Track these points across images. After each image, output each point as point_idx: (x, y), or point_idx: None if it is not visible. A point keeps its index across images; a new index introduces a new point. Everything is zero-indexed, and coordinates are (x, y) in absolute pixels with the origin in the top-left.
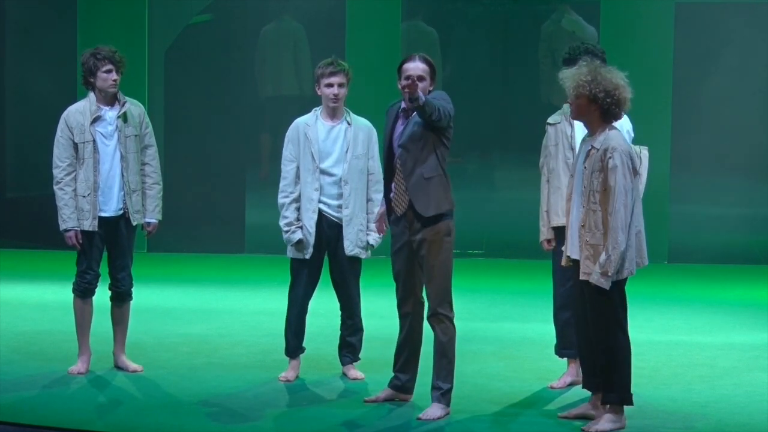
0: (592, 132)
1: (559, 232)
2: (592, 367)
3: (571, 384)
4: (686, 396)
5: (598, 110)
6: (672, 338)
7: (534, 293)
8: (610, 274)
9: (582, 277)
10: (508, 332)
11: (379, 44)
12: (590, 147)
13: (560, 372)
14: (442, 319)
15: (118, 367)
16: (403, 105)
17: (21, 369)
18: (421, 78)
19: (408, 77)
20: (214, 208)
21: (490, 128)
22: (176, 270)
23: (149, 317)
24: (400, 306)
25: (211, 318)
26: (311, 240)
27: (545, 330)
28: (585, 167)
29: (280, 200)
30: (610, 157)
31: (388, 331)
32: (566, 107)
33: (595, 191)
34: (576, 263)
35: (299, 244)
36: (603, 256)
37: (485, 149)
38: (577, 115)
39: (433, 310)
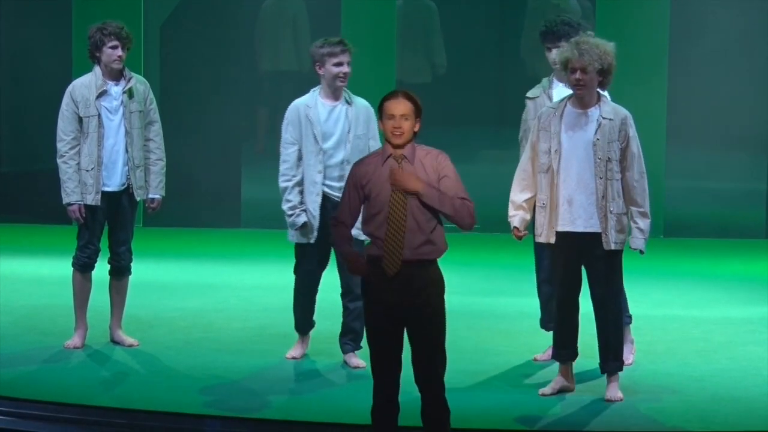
0: (588, 104)
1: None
2: (569, 339)
3: None
4: (682, 370)
5: (598, 81)
6: (667, 312)
7: (529, 268)
8: (644, 229)
9: (606, 247)
10: (503, 307)
11: (375, 20)
12: (599, 118)
13: None
14: (446, 410)
15: (114, 342)
16: (388, 152)
17: (18, 344)
18: (404, 116)
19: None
20: (209, 182)
21: (488, 103)
22: (172, 245)
23: (145, 292)
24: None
25: (207, 293)
26: (315, 224)
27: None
28: (598, 138)
29: (282, 184)
30: (630, 126)
31: None
32: (545, 81)
33: (616, 160)
34: (565, 236)
35: (304, 228)
36: (645, 221)
37: (484, 124)
38: (589, 89)
39: (439, 399)
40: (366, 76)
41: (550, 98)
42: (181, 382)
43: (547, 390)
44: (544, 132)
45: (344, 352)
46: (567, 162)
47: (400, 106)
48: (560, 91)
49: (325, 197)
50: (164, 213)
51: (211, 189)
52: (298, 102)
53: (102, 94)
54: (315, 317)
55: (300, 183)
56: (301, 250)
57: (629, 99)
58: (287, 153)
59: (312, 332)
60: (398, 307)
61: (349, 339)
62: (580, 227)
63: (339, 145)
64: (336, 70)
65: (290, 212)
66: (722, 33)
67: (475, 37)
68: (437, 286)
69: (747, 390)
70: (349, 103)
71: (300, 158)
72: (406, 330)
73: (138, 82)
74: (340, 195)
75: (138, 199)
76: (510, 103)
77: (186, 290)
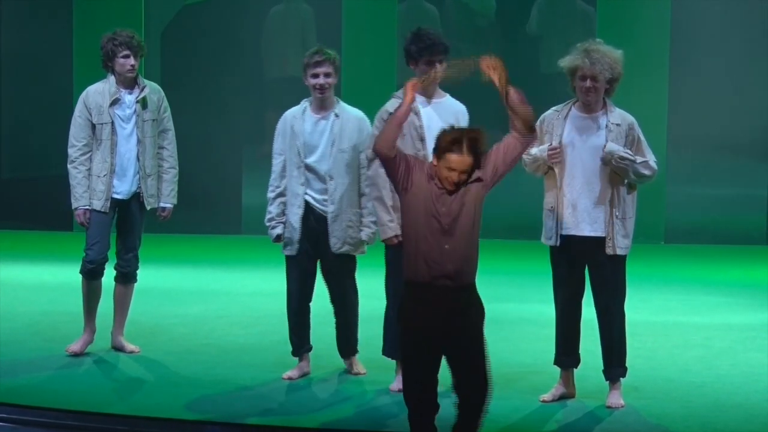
0: (594, 110)
1: None
2: (571, 346)
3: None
4: (683, 376)
5: (605, 89)
6: (669, 319)
7: (530, 273)
8: (639, 161)
9: (611, 252)
10: (505, 313)
11: (376, 24)
12: (607, 123)
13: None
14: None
15: (116, 348)
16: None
17: (20, 350)
18: (464, 173)
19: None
20: (211, 188)
21: (489, 107)
22: (173, 251)
23: (146, 298)
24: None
25: (208, 299)
26: (296, 236)
27: (542, 310)
28: (605, 144)
29: (268, 194)
30: (637, 129)
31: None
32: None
33: None
34: (569, 240)
35: (279, 240)
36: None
37: (485, 128)
38: (598, 96)
39: (474, 425)
40: (367, 80)
41: (417, 114)
42: (182, 389)
43: (547, 396)
44: (549, 136)
45: (343, 358)
46: (572, 166)
47: (464, 164)
48: (428, 110)
49: (310, 209)
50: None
51: (212, 195)
52: (288, 113)
53: (115, 101)
54: (318, 324)
55: (282, 194)
56: (287, 262)
57: (630, 104)
58: (275, 164)
59: (313, 347)
60: (436, 330)
61: (342, 346)
62: (584, 231)
63: (323, 159)
64: (312, 81)
65: (267, 223)
66: (724, 39)
67: (475, 40)
68: (476, 310)
69: (748, 396)
70: (337, 115)
71: (285, 169)
72: (445, 356)
73: (152, 90)
74: (323, 208)
75: (148, 207)
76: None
77: (187, 297)
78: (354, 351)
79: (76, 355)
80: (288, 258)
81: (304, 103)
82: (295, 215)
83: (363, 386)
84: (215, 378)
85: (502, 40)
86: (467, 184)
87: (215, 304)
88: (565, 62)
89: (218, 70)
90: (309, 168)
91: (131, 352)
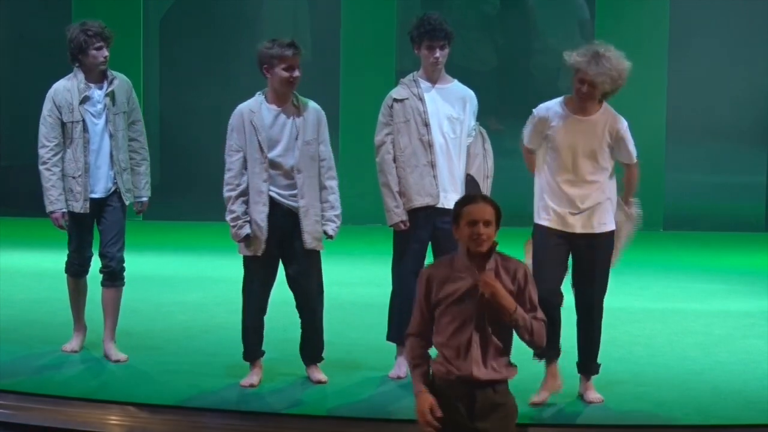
0: (590, 112)
1: (415, 213)
2: (553, 337)
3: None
4: (682, 363)
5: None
6: (667, 305)
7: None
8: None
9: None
10: None
11: (375, 11)
12: (599, 122)
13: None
14: None
15: (105, 356)
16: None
17: (19, 337)
18: (487, 223)
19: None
20: (209, 175)
21: (486, 95)
22: (171, 238)
23: (145, 285)
24: None
25: (207, 286)
26: (263, 235)
27: None
28: (598, 142)
29: (226, 194)
30: (623, 132)
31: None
32: (409, 80)
33: (610, 159)
34: (560, 234)
35: (247, 240)
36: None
37: (483, 115)
38: (593, 102)
39: None
40: (366, 68)
41: (421, 99)
42: (181, 376)
43: (537, 398)
44: (541, 134)
45: (306, 365)
46: (565, 162)
47: (484, 212)
48: (433, 96)
49: (276, 205)
50: (163, 206)
51: (210, 182)
52: (243, 107)
53: (85, 99)
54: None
55: (244, 192)
56: (248, 264)
57: (629, 93)
58: (232, 161)
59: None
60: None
61: (308, 353)
62: (577, 229)
63: (287, 153)
64: (286, 74)
65: (233, 224)
66: (723, 26)
67: (473, 28)
68: (509, 410)
69: (747, 383)
70: (296, 106)
71: (245, 166)
72: None
73: (120, 81)
74: (289, 203)
75: (127, 202)
76: (511, 95)
77: (186, 284)
78: (320, 358)
79: (74, 352)
80: (249, 259)
81: (259, 96)
82: (261, 213)
83: (363, 373)
84: (215, 365)
85: (509, 27)
86: (497, 251)
87: (214, 290)
88: (571, 59)
89: (217, 57)
90: (272, 163)
91: (117, 361)
